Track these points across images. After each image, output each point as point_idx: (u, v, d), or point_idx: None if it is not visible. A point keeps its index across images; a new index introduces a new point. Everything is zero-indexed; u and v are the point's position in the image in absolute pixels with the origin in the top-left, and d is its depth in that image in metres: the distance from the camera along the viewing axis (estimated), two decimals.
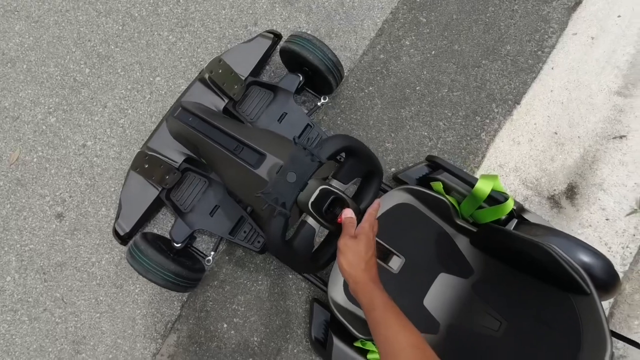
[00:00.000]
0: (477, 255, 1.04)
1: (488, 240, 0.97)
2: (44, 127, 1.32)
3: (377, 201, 0.71)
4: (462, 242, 1.07)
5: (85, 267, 1.22)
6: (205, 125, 1.00)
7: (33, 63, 1.37)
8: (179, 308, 1.17)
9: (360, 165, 0.78)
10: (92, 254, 1.23)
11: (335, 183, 0.77)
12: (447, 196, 1.02)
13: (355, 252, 0.63)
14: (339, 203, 0.71)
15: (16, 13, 1.42)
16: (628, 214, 1.17)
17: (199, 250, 1.17)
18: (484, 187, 0.95)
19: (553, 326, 0.80)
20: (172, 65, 1.35)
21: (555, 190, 1.21)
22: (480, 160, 1.23)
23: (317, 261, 0.74)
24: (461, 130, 1.24)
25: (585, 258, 0.84)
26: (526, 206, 1.21)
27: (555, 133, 1.25)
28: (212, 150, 0.94)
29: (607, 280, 0.85)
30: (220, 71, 1.08)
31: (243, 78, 1.15)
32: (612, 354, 0.68)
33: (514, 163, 1.23)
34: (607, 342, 0.69)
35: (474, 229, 1.01)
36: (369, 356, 0.95)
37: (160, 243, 1.09)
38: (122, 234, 1.10)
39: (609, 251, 1.15)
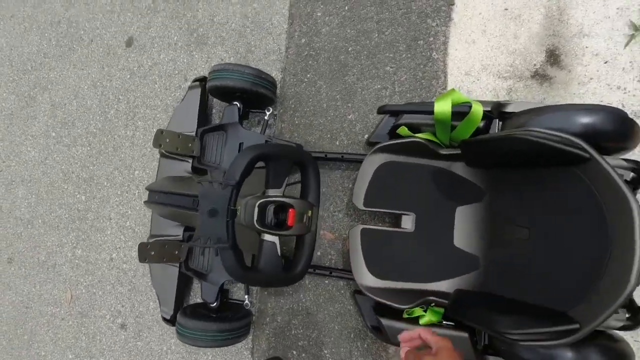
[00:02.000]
0: (479, 173, 0.97)
1: (474, 156, 0.91)
2: (76, 262, 1.47)
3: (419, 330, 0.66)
4: (460, 168, 1.01)
5: (162, 357, 1.32)
6: (167, 196, 1.05)
7: (44, 215, 1.54)
8: (249, 356, 1.23)
9: (282, 165, 0.78)
10: (162, 344, 1.33)
11: (271, 192, 0.77)
12: (417, 135, 0.97)
13: None
14: (284, 208, 0.71)
15: (14, 182, 1.61)
16: (627, 44, 1.02)
17: (238, 300, 1.21)
18: (441, 109, 0.89)
19: (572, 208, 0.72)
20: (140, 155, 1.44)
21: (535, 65, 1.09)
22: (444, 80, 1.15)
23: (294, 269, 0.74)
24: (411, 63, 1.17)
25: (584, 119, 0.75)
26: (513, 97, 1.11)
27: (506, 9, 1.13)
28: (180, 214, 0.99)
29: (619, 129, 0.76)
30: (167, 140, 1.13)
31: (193, 134, 1.19)
32: None
33: (479, 63, 1.14)
34: (629, 199, 0.61)
35: (459, 151, 0.95)
36: (421, 322, 0.92)
37: (200, 310, 1.15)
38: (168, 317, 1.18)
39: (625, 93, 1.01)
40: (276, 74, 1.29)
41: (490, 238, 0.94)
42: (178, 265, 1.18)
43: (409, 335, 0.66)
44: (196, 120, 1.20)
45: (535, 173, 0.81)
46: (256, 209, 0.69)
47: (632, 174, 0.79)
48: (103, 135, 1.49)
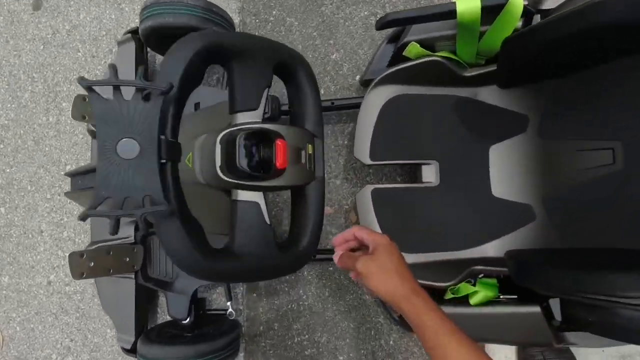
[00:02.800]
0: (517, 95, 0.74)
1: (522, 61, 0.66)
2: (3, 293, 1.14)
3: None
4: (490, 94, 0.77)
5: None
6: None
7: None
8: None
9: (256, 71, 0.49)
10: None
11: (240, 118, 0.49)
12: (434, 54, 0.73)
13: (380, 269, 0.51)
14: (266, 140, 0.43)
15: None
16: None
17: (220, 309, 0.93)
18: (468, 5, 0.64)
19: None
20: (71, 144, 1.12)
21: None
22: None
23: (297, 243, 0.47)
24: None
25: None
26: None
27: None
28: None
29: None
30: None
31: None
32: None
33: None
34: None
35: (493, 67, 0.71)
36: (472, 301, 0.68)
37: (169, 330, 0.87)
38: (129, 347, 0.89)
39: None
40: (233, 17, 1.01)
41: (545, 177, 0.71)
42: (133, 276, 0.88)
43: (342, 237, 0.56)
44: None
45: (615, 67, 0.58)
46: (218, 147, 0.42)
47: None
48: (18, 126, 1.16)
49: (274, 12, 0.99)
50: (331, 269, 0.91)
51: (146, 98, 0.39)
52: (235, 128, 0.43)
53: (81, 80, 0.38)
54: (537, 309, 0.63)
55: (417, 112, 0.77)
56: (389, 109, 0.77)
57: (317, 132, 0.49)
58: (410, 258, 0.73)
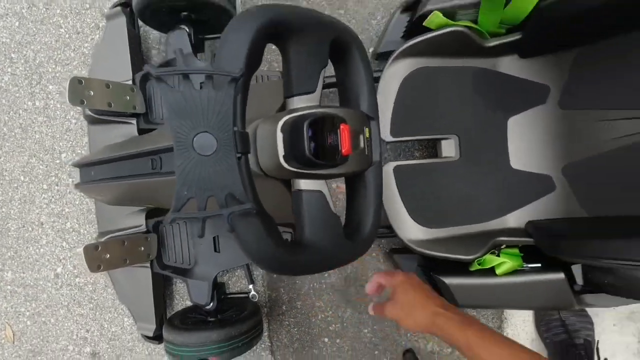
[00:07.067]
0: (541, 63, 0.72)
1: (557, 27, 0.64)
2: (8, 288, 1.10)
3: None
4: (510, 64, 0.75)
5: None
6: (108, 167, 0.71)
7: None
8: (270, 356, 0.97)
9: (312, 45, 0.44)
10: None
11: (297, 102, 0.45)
12: (456, 23, 0.70)
13: (403, 310, 0.55)
14: (327, 124, 0.40)
15: None
16: None
17: (240, 292, 0.94)
18: None
19: None
20: (64, 130, 1.05)
21: None
22: None
23: (363, 230, 0.46)
24: None
25: None
26: None
27: None
28: (136, 189, 0.67)
29: None
30: (92, 93, 0.77)
31: (129, 83, 0.83)
32: None
33: None
34: None
35: (518, 35, 0.69)
36: (499, 271, 0.70)
37: (193, 316, 0.87)
38: (151, 335, 0.89)
39: None
40: None
41: (565, 148, 0.72)
42: (149, 265, 0.87)
43: (371, 286, 0.60)
44: (129, 62, 0.84)
45: None
46: (279, 135, 0.39)
47: None
48: (2, 113, 1.08)
49: None
50: None
51: (214, 86, 0.36)
52: (297, 114, 0.40)
53: (151, 68, 0.35)
54: (561, 275, 0.66)
55: (437, 85, 0.75)
56: (408, 82, 0.74)
57: (373, 114, 0.47)
58: (437, 233, 0.74)
